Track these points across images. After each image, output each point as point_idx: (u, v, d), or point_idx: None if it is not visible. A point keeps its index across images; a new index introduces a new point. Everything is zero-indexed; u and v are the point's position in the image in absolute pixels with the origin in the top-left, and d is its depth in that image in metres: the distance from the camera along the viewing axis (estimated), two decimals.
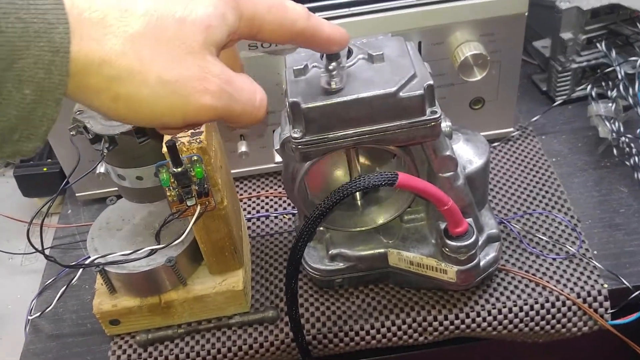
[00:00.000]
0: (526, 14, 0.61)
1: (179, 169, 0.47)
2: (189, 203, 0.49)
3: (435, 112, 0.46)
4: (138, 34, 0.32)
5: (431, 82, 0.45)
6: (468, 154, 0.54)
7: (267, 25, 0.37)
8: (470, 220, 0.53)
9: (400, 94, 0.45)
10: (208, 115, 0.35)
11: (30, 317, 0.62)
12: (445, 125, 0.51)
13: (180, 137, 0.47)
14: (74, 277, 0.59)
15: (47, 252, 0.54)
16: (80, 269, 0.59)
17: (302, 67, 0.47)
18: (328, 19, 0.58)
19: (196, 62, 0.33)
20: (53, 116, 0.31)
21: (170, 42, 0.32)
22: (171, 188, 0.48)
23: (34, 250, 0.53)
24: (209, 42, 0.34)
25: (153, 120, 0.34)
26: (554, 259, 0.60)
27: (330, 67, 0.44)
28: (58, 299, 0.60)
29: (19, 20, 0.28)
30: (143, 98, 0.32)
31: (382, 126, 0.46)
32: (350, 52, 0.47)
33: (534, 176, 0.68)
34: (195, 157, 0.47)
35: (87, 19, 0.31)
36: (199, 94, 0.33)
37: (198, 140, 0.47)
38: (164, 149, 0.46)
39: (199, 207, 0.49)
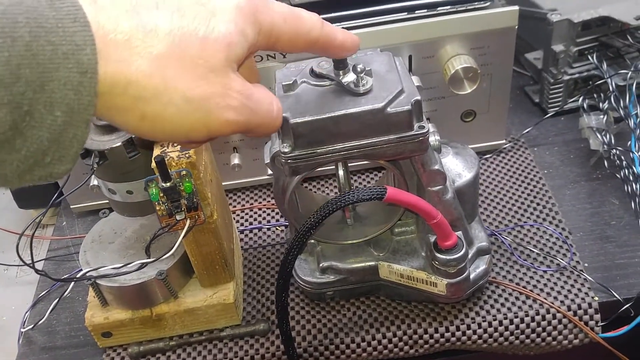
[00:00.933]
0: (516, 27, 0.61)
1: (168, 184, 0.47)
2: (178, 217, 0.49)
3: (423, 127, 0.46)
4: (162, 54, 0.32)
5: (418, 97, 0.45)
6: (457, 167, 0.54)
7: (284, 36, 0.38)
8: (459, 233, 0.53)
9: (388, 109, 0.45)
10: (230, 129, 0.36)
11: (23, 330, 0.62)
12: (434, 139, 0.51)
13: (169, 152, 0.47)
14: (66, 290, 0.60)
15: (41, 263, 0.54)
16: (73, 282, 0.59)
17: (291, 82, 0.47)
18: None
19: (218, 79, 0.34)
20: (83, 137, 0.31)
21: (193, 61, 0.33)
22: (160, 202, 0.48)
23: (28, 262, 0.53)
24: (231, 59, 0.35)
25: (178, 136, 0.35)
26: (545, 272, 0.60)
27: (359, 69, 0.45)
28: (51, 312, 0.60)
29: (48, 43, 0.29)
30: (168, 116, 0.33)
31: (370, 141, 0.46)
32: None
33: (526, 188, 0.69)
34: (184, 172, 0.47)
35: (113, 40, 0.31)
36: (222, 110, 0.35)
37: (187, 155, 0.47)
38: (153, 164, 0.46)
39: (188, 221, 0.50)
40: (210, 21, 0.34)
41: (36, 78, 0.29)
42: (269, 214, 0.70)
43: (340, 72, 0.46)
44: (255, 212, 0.71)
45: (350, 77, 0.46)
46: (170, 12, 0.33)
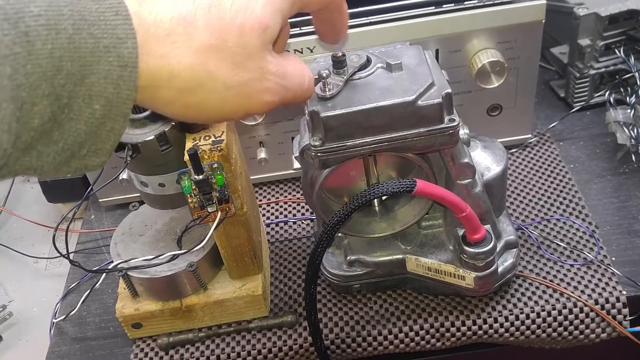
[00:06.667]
0: (543, 21, 0.61)
1: (201, 177, 0.48)
2: (209, 209, 0.50)
3: (454, 120, 0.46)
4: (203, 46, 0.33)
5: (449, 90, 0.46)
6: (486, 161, 0.55)
7: None
8: (488, 226, 0.53)
9: (419, 102, 0.45)
10: (267, 108, 0.38)
11: (55, 320, 0.63)
12: (463, 132, 0.51)
13: (202, 145, 0.48)
14: (97, 282, 0.61)
15: (71, 256, 0.55)
16: (104, 274, 0.60)
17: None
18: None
19: (256, 64, 0.35)
20: (120, 131, 0.32)
21: (232, 49, 0.34)
22: (192, 195, 0.49)
23: (58, 255, 0.54)
24: (266, 41, 0.36)
25: (218, 119, 0.38)
26: (572, 265, 0.60)
27: (324, 74, 0.45)
28: (82, 303, 0.61)
29: (90, 35, 0.29)
30: (211, 104, 0.35)
31: (400, 134, 0.46)
32: (369, 61, 0.48)
33: (552, 182, 0.68)
34: (216, 165, 0.48)
35: (154, 34, 0.32)
36: (260, 93, 0.36)
37: (219, 148, 0.48)
38: (186, 157, 0.47)
39: (219, 214, 0.50)
40: (247, 6, 0.34)
41: (77, 71, 0.29)
42: (294, 208, 0.71)
43: (340, 70, 0.46)
44: (281, 206, 0.71)
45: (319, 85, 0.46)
46: (209, 3, 0.34)
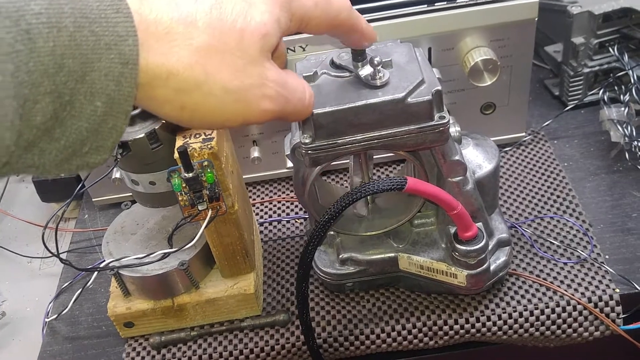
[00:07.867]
0: (536, 19, 0.61)
1: (190, 174, 0.47)
2: (200, 207, 0.50)
3: (444, 117, 0.46)
4: (202, 46, 0.33)
5: (439, 87, 0.45)
6: (478, 158, 0.54)
7: (314, 20, 0.39)
8: (480, 224, 0.53)
9: (409, 99, 0.45)
10: (265, 117, 0.37)
11: (47, 320, 0.63)
12: (454, 130, 0.51)
13: (192, 142, 0.48)
14: (89, 281, 0.60)
15: (63, 255, 0.55)
16: (96, 273, 0.60)
17: (311, 73, 0.47)
18: None
19: (256, 70, 0.35)
20: (122, 128, 0.31)
21: (232, 52, 0.34)
22: (183, 193, 0.49)
23: (51, 254, 0.54)
24: (266, 49, 0.35)
25: (216, 125, 0.37)
26: (566, 264, 0.59)
27: (376, 61, 0.45)
28: (74, 302, 0.61)
29: (91, 33, 0.29)
30: (208, 107, 0.34)
31: (391, 131, 0.46)
32: None
33: (546, 180, 0.68)
34: (206, 163, 0.48)
35: (154, 32, 0.32)
36: (259, 100, 0.36)
37: (209, 146, 0.48)
38: (176, 155, 0.47)
39: (210, 212, 0.50)
40: (247, 12, 0.34)
41: (78, 68, 0.29)
42: (288, 207, 0.71)
43: (359, 64, 0.46)
44: (275, 205, 0.71)
45: (367, 70, 0.46)
46: (209, 5, 0.34)
